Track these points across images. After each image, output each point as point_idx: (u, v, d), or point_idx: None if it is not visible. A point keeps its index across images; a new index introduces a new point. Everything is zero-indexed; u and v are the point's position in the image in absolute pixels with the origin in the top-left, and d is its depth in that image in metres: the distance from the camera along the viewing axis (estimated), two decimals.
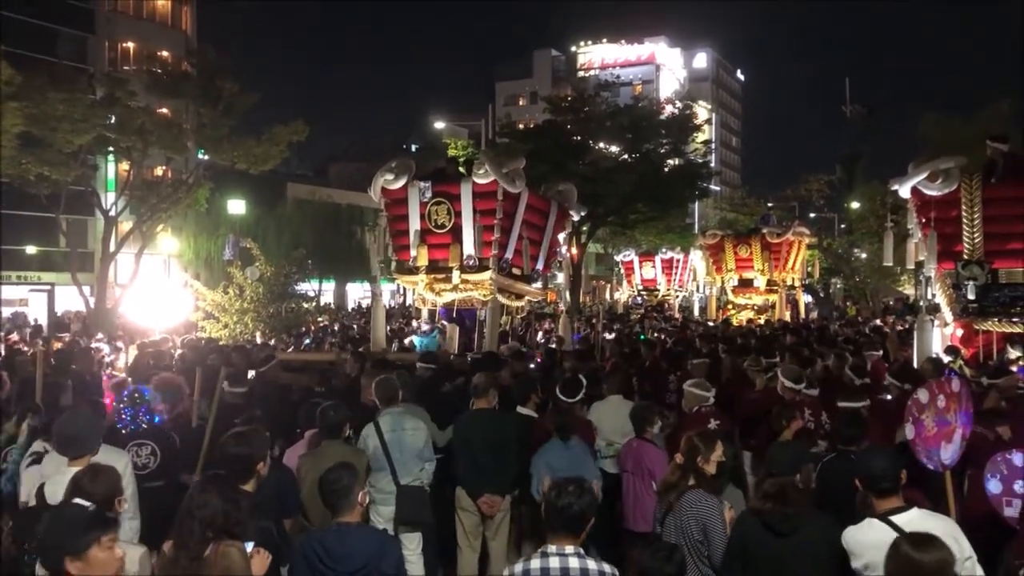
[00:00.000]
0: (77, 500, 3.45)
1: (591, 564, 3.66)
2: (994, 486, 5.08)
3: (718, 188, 62.57)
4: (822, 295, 40.41)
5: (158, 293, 16.99)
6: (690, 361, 10.10)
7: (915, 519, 3.83)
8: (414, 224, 12.42)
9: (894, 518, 3.83)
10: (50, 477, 4.63)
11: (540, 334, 18.35)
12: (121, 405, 6.57)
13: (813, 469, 5.34)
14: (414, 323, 18.45)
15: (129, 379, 9.18)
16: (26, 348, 15.26)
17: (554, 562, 3.64)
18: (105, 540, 3.22)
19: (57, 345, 15.44)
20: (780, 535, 4.08)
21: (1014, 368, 8.86)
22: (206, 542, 3.53)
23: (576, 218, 15.49)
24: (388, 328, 15.99)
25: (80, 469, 4.00)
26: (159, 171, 30.69)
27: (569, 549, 3.66)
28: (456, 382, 8.58)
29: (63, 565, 3.12)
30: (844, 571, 3.96)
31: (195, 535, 3.54)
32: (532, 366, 10.53)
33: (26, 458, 5.64)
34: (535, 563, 3.67)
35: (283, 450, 6.68)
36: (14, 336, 19.36)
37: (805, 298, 29.41)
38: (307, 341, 17.59)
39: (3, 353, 13.84)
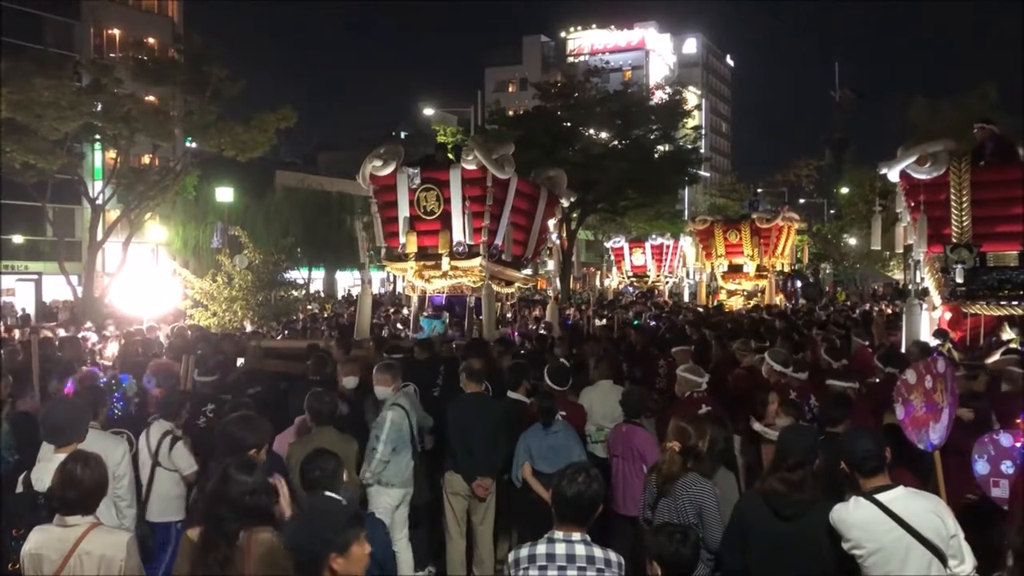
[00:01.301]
0: (329, 494, 3.37)
1: (597, 551, 3.67)
2: (981, 467, 5.11)
3: (708, 174, 62.73)
4: (811, 280, 40.58)
5: (146, 281, 16.90)
6: (672, 349, 9.93)
7: (901, 497, 3.85)
8: (403, 211, 12.36)
9: (880, 496, 3.85)
10: (37, 463, 4.60)
11: (531, 320, 18.34)
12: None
13: None
14: (404, 311, 18.43)
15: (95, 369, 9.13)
16: (17, 336, 15.21)
17: (560, 548, 3.65)
18: (362, 536, 3.18)
19: (45, 334, 15.37)
20: (783, 519, 4.10)
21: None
22: (239, 526, 3.45)
23: (566, 204, 15.46)
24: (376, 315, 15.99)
25: (67, 456, 3.96)
26: (146, 159, 30.49)
27: (576, 536, 3.67)
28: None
29: (327, 562, 3.03)
30: (842, 555, 3.98)
31: (227, 519, 3.44)
32: (521, 352, 10.53)
33: (165, 439, 5.96)
34: (541, 548, 3.68)
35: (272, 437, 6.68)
36: (0, 325, 19.29)
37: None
38: (285, 333, 17.54)
39: None
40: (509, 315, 17.75)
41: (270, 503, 3.60)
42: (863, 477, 3.94)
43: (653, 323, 16.73)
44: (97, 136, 27.37)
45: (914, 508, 3.81)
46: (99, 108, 25.19)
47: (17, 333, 16.44)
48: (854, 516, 3.87)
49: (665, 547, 3.66)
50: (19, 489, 4.58)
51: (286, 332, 15.76)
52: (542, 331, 13.97)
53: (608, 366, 8.05)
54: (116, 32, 39.58)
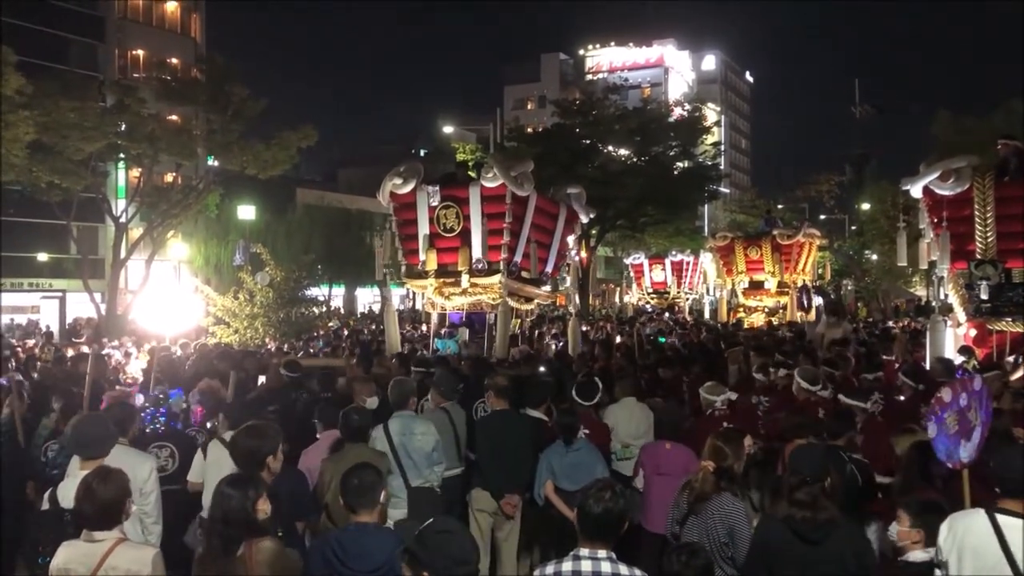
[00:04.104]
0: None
1: (623, 569, 3.62)
2: None
3: (728, 190, 62.51)
4: (832, 296, 40.32)
5: (168, 299, 17.03)
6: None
7: (1019, 526, 3.70)
8: (423, 228, 12.42)
9: (999, 515, 3.74)
10: (64, 479, 4.63)
11: (548, 338, 18.26)
12: (146, 406, 6.65)
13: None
14: (423, 327, 18.43)
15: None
16: (38, 353, 15.38)
17: (586, 565, 3.61)
18: None
19: (69, 351, 15.51)
20: (809, 542, 4.06)
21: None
22: (235, 540, 3.54)
23: (585, 221, 15.47)
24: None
25: (90, 471, 3.99)
26: (169, 177, 30.84)
27: (602, 553, 3.63)
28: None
29: None
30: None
31: (220, 533, 3.58)
32: (543, 369, 10.49)
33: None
34: (567, 565, 3.64)
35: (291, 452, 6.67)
36: (29, 342, 19.50)
37: (816, 300, 29.20)
38: (320, 344, 17.60)
39: (22, 358, 13.96)
40: (526, 332, 17.69)
41: (254, 516, 3.68)
42: (1002, 495, 3.83)
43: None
44: (121, 155, 27.73)
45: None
46: (123, 128, 25.54)
47: (37, 351, 16.62)
48: (962, 521, 3.81)
49: (674, 566, 3.67)
50: (45, 506, 4.61)
51: (300, 354, 15.75)
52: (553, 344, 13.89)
53: (631, 383, 8.01)
54: (140, 53, 40.06)
